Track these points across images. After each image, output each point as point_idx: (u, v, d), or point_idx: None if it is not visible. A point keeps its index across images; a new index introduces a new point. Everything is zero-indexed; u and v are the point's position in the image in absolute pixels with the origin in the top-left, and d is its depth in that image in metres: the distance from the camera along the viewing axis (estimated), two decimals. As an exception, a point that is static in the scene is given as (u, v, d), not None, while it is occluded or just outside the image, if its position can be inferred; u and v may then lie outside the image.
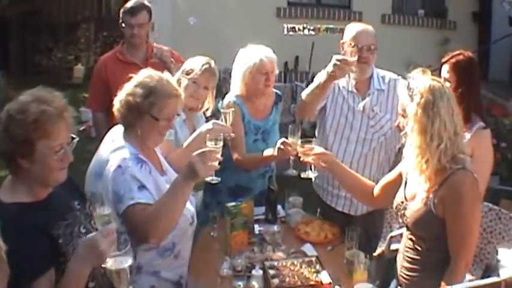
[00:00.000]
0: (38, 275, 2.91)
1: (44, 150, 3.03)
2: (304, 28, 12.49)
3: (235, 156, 5.45)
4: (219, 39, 11.50)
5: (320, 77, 5.16)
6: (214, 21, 11.47)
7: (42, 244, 2.98)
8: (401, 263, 4.11)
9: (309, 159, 4.51)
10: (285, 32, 12.30)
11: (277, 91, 5.89)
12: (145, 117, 3.87)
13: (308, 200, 5.79)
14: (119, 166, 3.71)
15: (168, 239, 3.87)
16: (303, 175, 4.82)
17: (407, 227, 4.01)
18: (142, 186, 3.71)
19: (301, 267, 4.45)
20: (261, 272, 4.26)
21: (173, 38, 10.81)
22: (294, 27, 12.44)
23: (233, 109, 5.03)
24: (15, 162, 3.03)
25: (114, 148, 3.90)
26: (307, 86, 5.72)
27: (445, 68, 4.98)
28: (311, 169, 4.75)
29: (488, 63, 12.68)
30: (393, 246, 4.73)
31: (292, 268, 4.43)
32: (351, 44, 5.17)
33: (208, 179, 4.10)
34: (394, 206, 4.11)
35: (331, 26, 12.52)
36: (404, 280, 4.04)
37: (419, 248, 3.91)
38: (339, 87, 5.42)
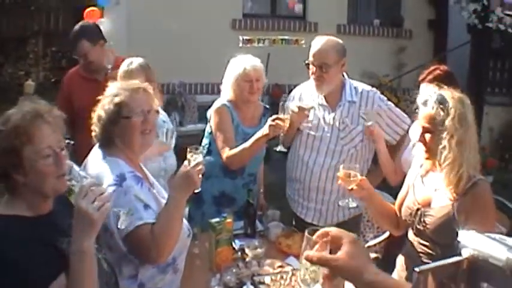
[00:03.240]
0: (49, 281, 2.76)
1: (32, 156, 2.87)
2: (259, 40, 12.45)
3: (225, 154, 5.44)
4: (174, 53, 11.40)
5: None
6: (169, 35, 11.35)
7: (48, 253, 2.84)
8: (407, 268, 4.17)
9: (353, 186, 4.22)
10: (241, 44, 12.23)
11: (266, 105, 5.91)
12: (119, 122, 3.77)
13: (286, 213, 5.81)
14: (120, 185, 3.59)
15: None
16: (341, 203, 4.65)
17: (420, 232, 4.01)
18: (146, 205, 3.62)
19: (291, 280, 4.39)
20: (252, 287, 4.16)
21: (128, 51, 10.68)
22: (250, 39, 12.40)
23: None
24: (10, 180, 2.89)
25: (106, 165, 3.75)
26: (262, 97, 5.76)
27: (425, 85, 5.01)
28: (351, 198, 4.53)
29: (445, 72, 12.71)
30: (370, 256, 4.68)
31: (282, 282, 4.36)
32: (310, 62, 5.25)
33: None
34: (407, 212, 4.12)
35: (286, 37, 12.54)
36: None
37: (433, 253, 3.94)
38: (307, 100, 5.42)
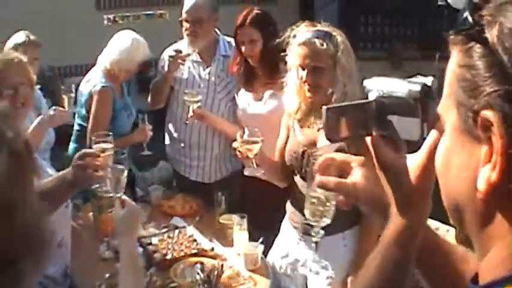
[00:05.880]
0: None
1: None
2: (123, 17, 12.33)
3: None
4: (42, 39, 11.11)
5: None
6: (35, 21, 11.07)
7: None
8: (300, 212, 3.88)
9: (256, 151, 3.95)
10: (106, 23, 12.09)
11: None
12: None
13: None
14: None
15: None
16: (248, 173, 4.21)
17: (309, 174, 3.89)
18: None
19: (178, 238, 4.45)
20: (141, 249, 4.17)
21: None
22: (115, 18, 12.26)
23: (73, 94, 4.94)
24: None
25: None
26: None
27: (244, 30, 4.90)
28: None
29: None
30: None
31: (170, 241, 4.41)
32: (183, 19, 5.28)
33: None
34: (291, 157, 4.01)
35: (150, 12, 12.42)
36: (309, 227, 3.95)
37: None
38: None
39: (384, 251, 1.56)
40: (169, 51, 5.39)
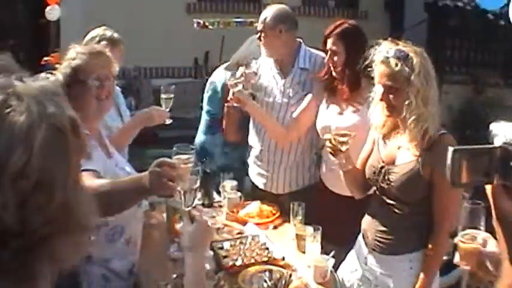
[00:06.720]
0: None
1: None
2: (214, 23, 12.39)
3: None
4: (129, 37, 11.23)
5: None
6: (123, 20, 11.18)
7: None
8: (373, 227, 4.07)
9: (347, 146, 4.05)
10: (195, 27, 12.17)
11: None
12: (74, 86, 3.57)
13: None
14: None
15: (114, 221, 3.56)
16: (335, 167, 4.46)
17: (384, 191, 3.94)
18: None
19: (250, 245, 4.40)
20: (211, 253, 4.14)
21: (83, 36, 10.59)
22: (204, 23, 12.32)
23: (173, 95, 4.90)
24: None
25: None
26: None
27: (331, 40, 4.84)
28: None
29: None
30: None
31: (242, 247, 4.36)
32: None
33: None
34: (370, 171, 4.04)
35: (240, 19, 12.46)
36: (379, 244, 4.01)
37: (400, 212, 3.87)
38: (266, 68, 5.47)
39: None
40: (240, 69, 5.29)
